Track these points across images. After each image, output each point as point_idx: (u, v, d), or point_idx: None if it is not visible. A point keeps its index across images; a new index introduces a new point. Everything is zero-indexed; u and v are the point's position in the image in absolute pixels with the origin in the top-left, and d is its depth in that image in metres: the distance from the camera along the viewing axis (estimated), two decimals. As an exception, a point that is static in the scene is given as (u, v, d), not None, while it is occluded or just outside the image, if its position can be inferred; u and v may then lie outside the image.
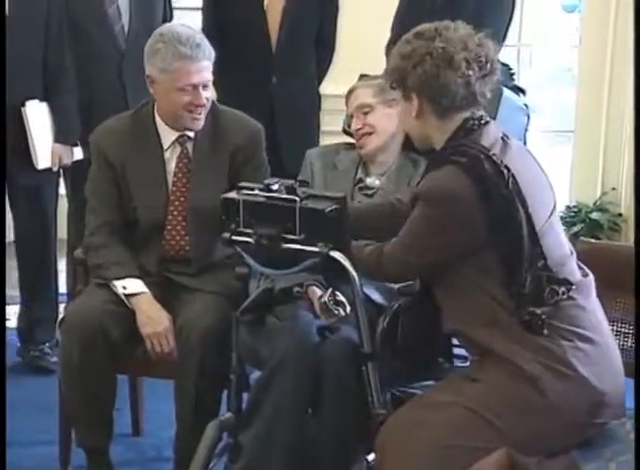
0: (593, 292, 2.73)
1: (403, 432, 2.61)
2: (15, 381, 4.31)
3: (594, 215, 5.74)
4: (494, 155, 2.60)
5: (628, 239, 5.56)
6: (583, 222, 5.72)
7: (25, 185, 4.34)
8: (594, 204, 5.85)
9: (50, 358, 4.32)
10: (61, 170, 4.44)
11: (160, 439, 3.48)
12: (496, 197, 2.57)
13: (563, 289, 2.59)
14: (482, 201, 2.56)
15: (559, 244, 2.69)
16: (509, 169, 2.58)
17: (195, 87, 3.26)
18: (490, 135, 2.69)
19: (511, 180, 2.58)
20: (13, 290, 4.52)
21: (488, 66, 2.67)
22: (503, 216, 2.57)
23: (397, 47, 2.73)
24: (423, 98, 2.67)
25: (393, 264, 2.74)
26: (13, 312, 4.58)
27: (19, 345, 4.53)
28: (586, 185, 5.96)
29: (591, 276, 2.74)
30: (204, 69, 3.28)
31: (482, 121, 2.69)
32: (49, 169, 4.33)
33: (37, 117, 4.24)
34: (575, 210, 5.81)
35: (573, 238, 4.53)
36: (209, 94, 3.35)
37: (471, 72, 2.63)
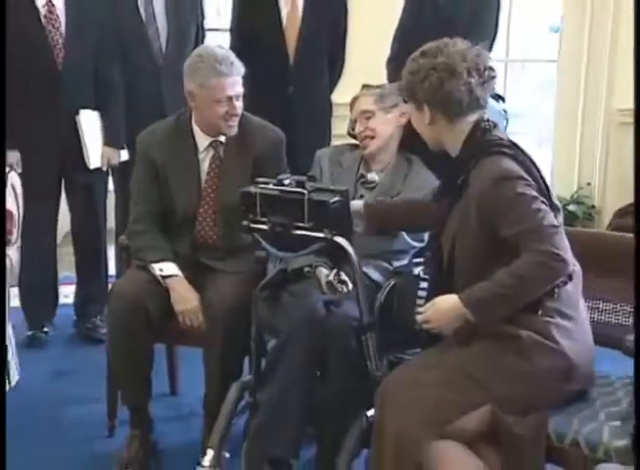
0: (580, 281, 2.72)
1: (401, 388, 2.61)
2: (71, 350, 4.41)
3: (571, 207, 5.73)
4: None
5: (601, 227, 5.56)
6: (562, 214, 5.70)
7: (79, 183, 4.37)
8: (571, 197, 5.84)
9: (101, 330, 4.33)
10: (109, 170, 4.46)
11: (194, 397, 3.49)
12: (535, 178, 2.61)
13: (564, 280, 2.60)
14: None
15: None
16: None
17: (230, 99, 3.28)
18: (503, 134, 2.73)
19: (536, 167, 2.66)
20: (70, 272, 4.55)
21: (486, 73, 2.68)
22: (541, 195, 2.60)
23: (406, 66, 2.73)
24: (433, 107, 2.68)
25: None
26: (70, 291, 4.60)
27: (74, 318, 4.57)
28: (564, 181, 5.94)
29: (579, 267, 2.71)
30: (236, 83, 3.29)
31: (492, 123, 2.71)
32: (99, 169, 4.36)
33: (89, 124, 4.27)
34: (554, 203, 5.79)
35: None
36: (241, 104, 3.35)
37: (472, 80, 2.64)
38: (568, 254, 2.53)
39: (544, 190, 2.62)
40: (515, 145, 2.69)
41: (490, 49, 4.32)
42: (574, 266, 2.68)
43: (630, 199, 5.58)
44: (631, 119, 5.50)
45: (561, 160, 6.04)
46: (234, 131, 3.37)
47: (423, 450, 2.51)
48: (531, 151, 2.73)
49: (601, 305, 3.09)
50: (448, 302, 2.61)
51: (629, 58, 5.41)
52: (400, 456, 2.54)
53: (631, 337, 2.55)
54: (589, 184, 5.87)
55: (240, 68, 3.31)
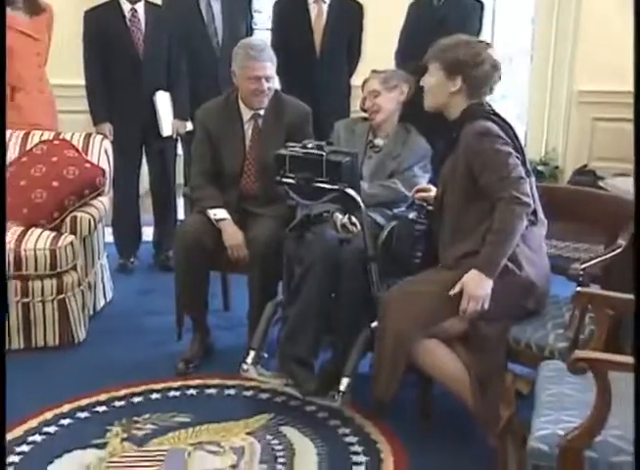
0: (545, 227, 2.70)
1: (400, 297, 2.62)
2: (150, 275, 4.43)
3: (540, 168, 5.61)
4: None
5: (562, 183, 5.46)
6: (533, 172, 5.62)
7: (156, 148, 4.34)
8: (540, 159, 5.73)
9: (172, 261, 4.29)
10: (178, 137, 4.41)
11: (241, 312, 3.46)
12: (514, 142, 2.59)
13: (532, 218, 2.59)
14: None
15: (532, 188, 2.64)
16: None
17: (258, 78, 3.22)
18: (491, 107, 2.70)
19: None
20: (150, 217, 4.54)
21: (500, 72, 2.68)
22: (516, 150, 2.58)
23: (464, 46, 2.63)
24: (467, 84, 2.61)
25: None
26: (150, 231, 4.57)
27: (153, 252, 4.56)
28: (535, 146, 5.82)
29: (545, 220, 2.69)
30: (265, 67, 3.23)
31: (486, 103, 2.68)
32: (170, 137, 4.33)
33: (163, 102, 4.24)
34: (528, 163, 5.72)
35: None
36: (271, 84, 3.28)
37: (499, 74, 2.65)
38: (529, 198, 2.50)
39: (520, 156, 2.58)
40: (500, 116, 2.64)
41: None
42: (542, 218, 2.67)
43: (584, 161, 5.54)
44: (588, 99, 5.50)
45: (533, 130, 5.92)
46: (261, 104, 3.31)
47: (414, 347, 2.53)
48: (512, 123, 2.69)
49: (554, 243, 3.06)
50: (471, 279, 2.52)
51: (588, 49, 5.36)
52: (396, 352, 2.55)
53: (574, 265, 2.54)
54: (554, 149, 5.75)
55: (270, 55, 3.25)
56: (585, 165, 5.47)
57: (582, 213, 2.97)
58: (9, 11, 3.88)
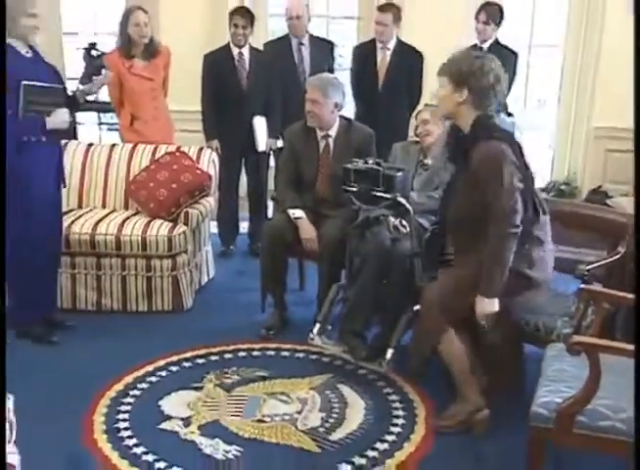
0: (549, 228, 2.49)
1: (436, 287, 2.52)
2: (245, 260, 4.40)
3: (562, 187, 5.47)
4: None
5: (580, 200, 5.28)
6: (557, 190, 5.50)
7: (253, 160, 4.36)
8: (563, 181, 5.56)
9: (261, 249, 4.37)
10: (271, 152, 4.43)
11: (312, 292, 3.48)
12: (520, 157, 2.38)
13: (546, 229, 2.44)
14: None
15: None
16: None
17: (308, 100, 3.26)
18: (499, 120, 2.51)
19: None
20: (246, 213, 4.54)
21: (504, 84, 2.42)
22: (524, 167, 2.39)
23: (470, 59, 2.37)
24: (474, 94, 2.35)
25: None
26: (246, 225, 4.56)
27: (248, 242, 4.55)
28: (560, 170, 5.66)
29: (547, 216, 2.47)
30: (311, 92, 3.25)
31: (492, 116, 2.42)
32: (264, 152, 4.35)
33: (260, 124, 4.26)
34: (553, 183, 5.58)
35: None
36: (316, 109, 3.23)
37: (503, 87, 2.41)
38: (517, 228, 2.29)
39: (522, 163, 2.36)
40: (508, 133, 2.44)
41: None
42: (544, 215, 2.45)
43: (599, 183, 5.38)
44: (602, 134, 5.35)
45: (559, 157, 5.72)
46: (311, 123, 3.30)
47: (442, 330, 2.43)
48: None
49: (568, 248, 2.99)
50: (479, 304, 2.37)
51: (604, 95, 5.21)
52: (441, 311, 2.45)
53: (581, 267, 2.47)
54: (575, 173, 5.57)
55: (322, 87, 3.23)
56: (600, 186, 5.35)
57: (592, 225, 2.90)
58: (129, 60, 3.96)
